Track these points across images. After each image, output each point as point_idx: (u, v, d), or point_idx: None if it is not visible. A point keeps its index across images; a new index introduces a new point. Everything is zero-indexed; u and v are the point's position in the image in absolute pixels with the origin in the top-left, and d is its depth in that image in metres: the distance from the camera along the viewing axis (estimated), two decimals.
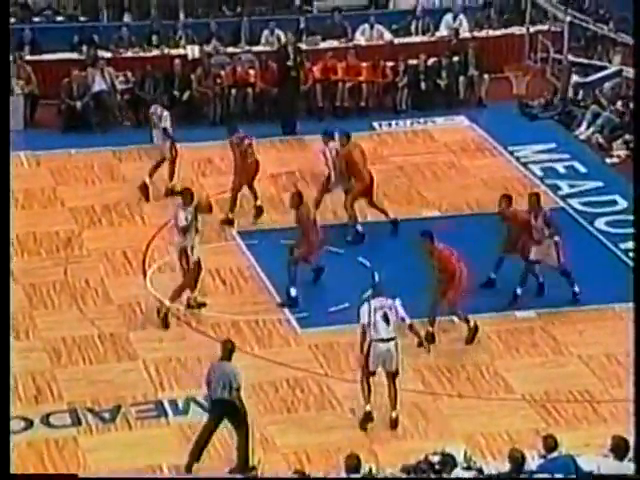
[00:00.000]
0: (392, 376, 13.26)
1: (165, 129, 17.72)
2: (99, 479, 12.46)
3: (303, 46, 21.09)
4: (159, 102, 18.33)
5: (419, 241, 14.57)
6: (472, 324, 14.61)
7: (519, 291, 15.32)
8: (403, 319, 13.24)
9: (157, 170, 17.98)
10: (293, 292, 15.35)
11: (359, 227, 16.80)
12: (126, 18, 22.27)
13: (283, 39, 21.47)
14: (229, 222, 17.35)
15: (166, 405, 13.67)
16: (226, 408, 12.41)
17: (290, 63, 20.08)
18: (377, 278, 14.11)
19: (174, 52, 21.31)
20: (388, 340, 13.10)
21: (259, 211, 17.48)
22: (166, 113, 17.84)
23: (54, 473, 12.12)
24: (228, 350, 12.55)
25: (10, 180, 12.08)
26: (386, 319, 13.09)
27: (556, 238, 15.21)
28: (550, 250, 15.21)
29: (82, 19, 22.02)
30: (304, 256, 15.49)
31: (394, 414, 13.23)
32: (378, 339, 13.08)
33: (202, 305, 15.37)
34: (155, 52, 21.36)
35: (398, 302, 13.22)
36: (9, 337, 11.20)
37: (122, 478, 12.35)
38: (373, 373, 13.23)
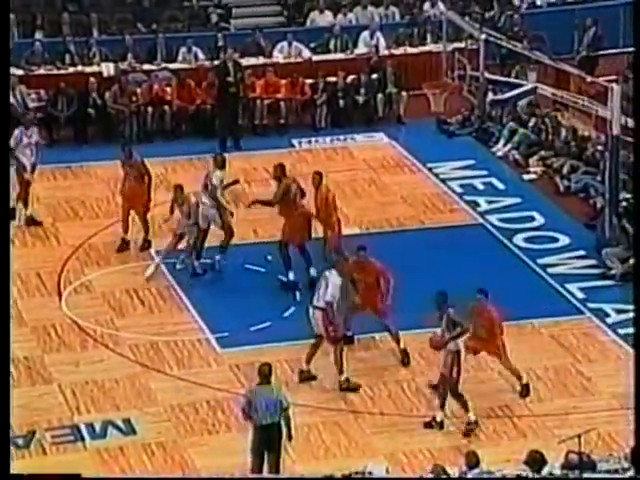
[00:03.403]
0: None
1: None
2: (103, 479, 12.36)
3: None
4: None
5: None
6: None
7: None
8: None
9: None
10: (292, 276, 15.34)
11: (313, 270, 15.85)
12: (37, 35, 21.89)
13: (201, 56, 21.29)
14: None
15: (83, 429, 13.41)
16: (272, 430, 12.22)
17: (230, 79, 19.85)
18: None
19: (88, 69, 21.01)
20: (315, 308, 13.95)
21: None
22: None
23: (56, 473, 11.84)
24: (265, 374, 12.34)
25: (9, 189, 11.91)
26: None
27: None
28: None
29: None
30: (290, 238, 15.52)
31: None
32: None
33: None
34: (69, 69, 21.03)
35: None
36: (9, 335, 11.01)
37: (124, 478, 12.33)
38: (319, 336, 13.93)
